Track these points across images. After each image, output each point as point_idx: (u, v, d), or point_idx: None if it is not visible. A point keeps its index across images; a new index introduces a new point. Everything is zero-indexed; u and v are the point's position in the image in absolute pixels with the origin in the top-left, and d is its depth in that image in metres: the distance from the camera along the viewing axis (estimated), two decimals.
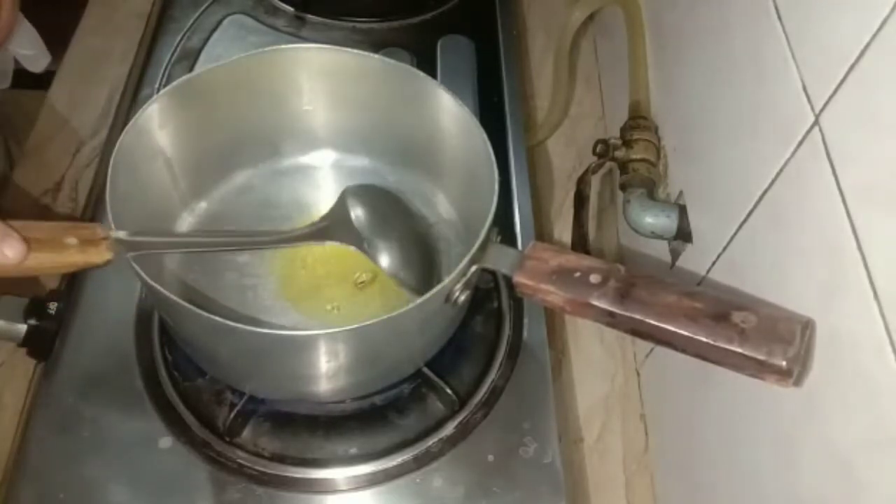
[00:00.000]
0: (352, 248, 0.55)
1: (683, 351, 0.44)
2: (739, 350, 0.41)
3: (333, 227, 0.56)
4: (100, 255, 0.47)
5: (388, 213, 0.58)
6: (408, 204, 0.63)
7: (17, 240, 0.44)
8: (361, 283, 0.60)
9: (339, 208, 0.57)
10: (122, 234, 0.48)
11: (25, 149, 0.78)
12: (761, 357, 0.41)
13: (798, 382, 0.41)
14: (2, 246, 0.44)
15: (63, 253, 0.46)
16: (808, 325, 0.41)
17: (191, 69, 0.79)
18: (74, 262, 0.47)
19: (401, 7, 0.87)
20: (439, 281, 0.49)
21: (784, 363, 0.40)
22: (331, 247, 0.59)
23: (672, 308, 0.44)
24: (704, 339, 0.42)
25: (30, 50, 0.74)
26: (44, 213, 0.73)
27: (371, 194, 0.59)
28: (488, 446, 0.58)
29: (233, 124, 0.61)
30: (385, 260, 0.54)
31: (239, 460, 0.56)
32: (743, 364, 0.42)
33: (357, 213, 0.56)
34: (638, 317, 0.44)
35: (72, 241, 0.47)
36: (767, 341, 0.41)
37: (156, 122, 0.56)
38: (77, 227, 0.47)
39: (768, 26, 0.47)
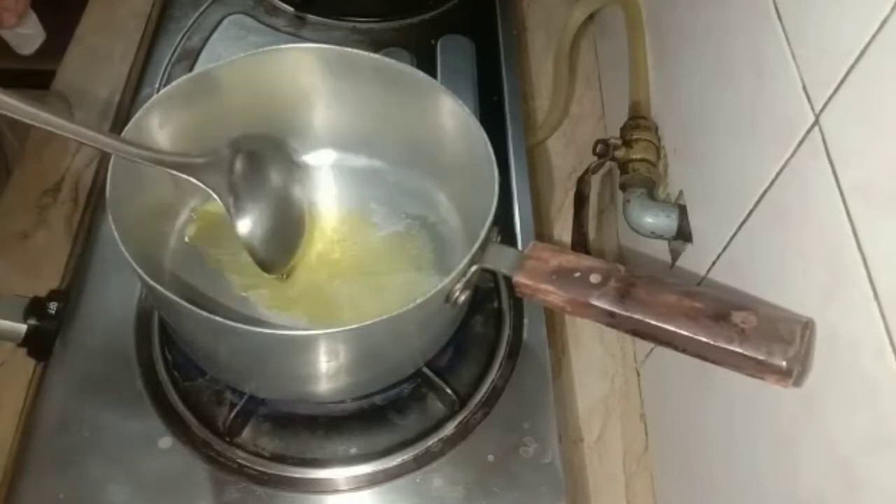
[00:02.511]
0: (216, 199, 0.53)
1: (683, 351, 0.44)
2: (739, 350, 0.41)
3: (208, 168, 0.53)
4: None
5: (268, 176, 0.55)
6: (293, 175, 0.61)
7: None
8: (362, 283, 0.60)
9: (225, 154, 0.54)
10: None
11: (25, 149, 0.78)
12: (761, 357, 0.41)
13: (798, 382, 0.41)
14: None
15: None
16: (808, 326, 0.41)
17: (191, 69, 0.79)
18: None
19: (401, 7, 0.87)
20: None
21: (784, 363, 0.40)
22: (331, 247, 0.59)
23: (672, 308, 0.44)
24: (704, 339, 0.42)
25: (29, 29, 0.75)
26: (44, 213, 0.73)
27: (261, 154, 0.56)
28: (488, 446, 0.58)
29: (233, 124, 0.61)
30: (245, 225, 0.52)
31: (239, 460, 0.56)
32: (743, 364, 0.42)
33: (238, 166, 0.53)
34: (638, 317, 0.44)
35: None
36: (767, 341, 0.41)
37: (156, 122, 0.56)
38: None
39: (768, 26, 0.47)
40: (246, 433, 0.57)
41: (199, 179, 0.52)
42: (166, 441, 0.56)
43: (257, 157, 0.55)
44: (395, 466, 0.56)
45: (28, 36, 0.75)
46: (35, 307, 0.60)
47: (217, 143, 0.61)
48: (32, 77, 0.78)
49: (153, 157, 0.51)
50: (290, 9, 0.86)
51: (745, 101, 0.51)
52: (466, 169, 0.58)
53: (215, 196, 0.52)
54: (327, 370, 0.52)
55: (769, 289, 0.47)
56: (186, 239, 0.62)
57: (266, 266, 0.53)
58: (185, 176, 0.52)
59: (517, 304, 0.65)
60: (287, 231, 0.56)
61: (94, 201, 0.72)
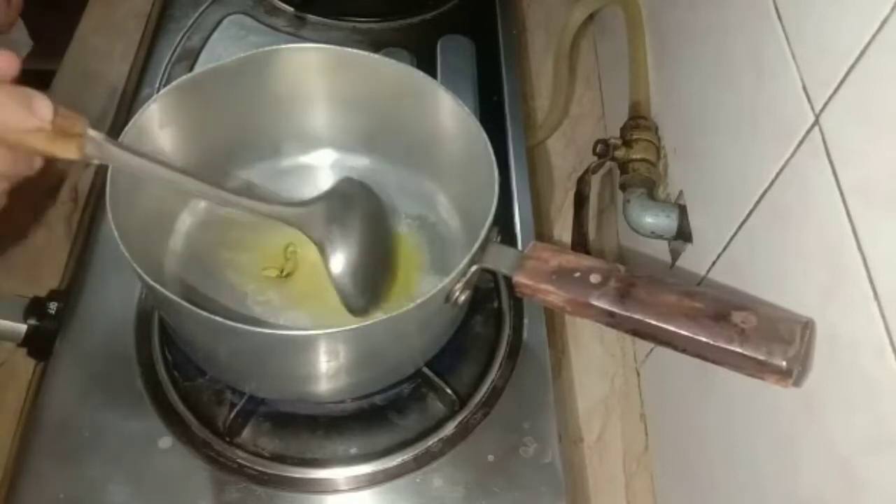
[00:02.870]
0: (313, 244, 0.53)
1: (684, 351, 0.44)
2: (739, 350, 0.41)
3: (307, 217, 0.53)
4: (67, 150, 0.43)
5: (361, 221, 0.55)
6: (386, 217, 0.62)
7: (45, 98, 0.41)
8: None
9: (322, 202, 0.55)
10: (98, 136, 0.44)
11: None
12: (761, 357, 0.41)
13: (798, 383, 0.41)
14: (34, 104, 0.40)
15: (31, 135, 0.41)
16: (807, 326, 0.41)
17: (191, 69, 0.79)
18: (38, 148, 0.42)
19: (401, 7, 0.87)
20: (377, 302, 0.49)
21: (784, 363, 0.40)
22: None
23: (672, 308, 0.44)
24: (704, 339, 0.42)
25: (16, 36, 0.75)
26: (44, 213, 0.73)
27: (357, 198, 0.57)
28: (488, 446, 0.58)
29: (233, 124, 0.61)
30: (337, 266, 0.52)
31: (239, 460, 0.56)
32: (743, 364, 0.42)
33: (333, 212, 0.54)
34: (638, 317, 0.44)
35: (47, 125, 0.42)
36: (767, 341, 0.41)
37: (156, 122, 0.56)
38: (60, 113, 0.42)
39: (768, 26, 0.47)
40: (246, 433, 0.57)
41: (301, 228, 0.53)
42: (166, 441, 0.56)
43: (350, 203, 0.55)
44: (395, 466, 0.56)
45: (15, 43, 0.75)
46: (35, 307, 0.60)
47: (217, 142, 0.61)
48: (32, 77, 0.78)
49: (261, 209, 0.52)
50: (290, 9, 0.86)
51: (745, 101, 0.51)
52: (466, 169, 0.58)
53: (317, 245, 0.53)
54: (327, 370, 0.52)
55: (769, 289, 0.47)
56: (186, 238, 0.62)
57: (355, 311, 0.54)
58: (294, 228, 0.53)
59: (517, 304, 0.65)
60: (375, 275, 0.57)
61: (94, 201, 0.72)
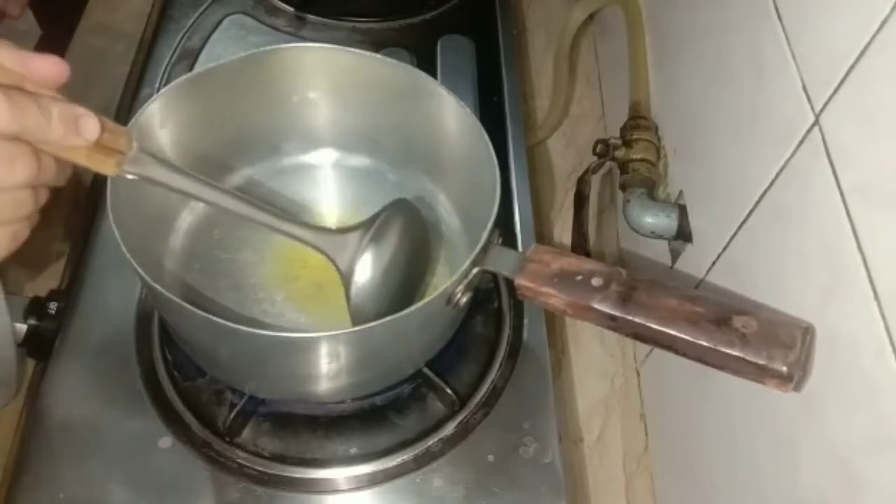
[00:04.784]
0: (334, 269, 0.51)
1: (684, 355, 0.44)
2: (740, 355, 0.41)
3: (339, 245, 0.51)
4: (106, 166, 0.43)
5: (394, 257, 0.52)
6: (426, 248, 0.58)
7: (93, 117, 0.40)
8: None
9: (358, 233, 0.52)
10: (144, 155, 0.44)
11: None
12: (762, 362, 0.41)
13: (798, 387, 0.41)
14: (81, 123, 0.39)
15: (72, 150, 0.40)
16: (808, 331, 0.41)
17: (191, 69, 0.79)
18: (77, 160, 0.41)
19: (401, 7, 0.87)
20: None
21: (784, 368, 0.40)
22: None
23: (673, 312, 0.44)
24: (705, 344, 0.42)
25: (24, 26, 0.75)
26: (44, 213, 0.73)
27: (397, 228, 0.52)
28: (488, 446, 0.58)
29: (233, 124, 0.61)
30: (357, 300, 0.50)
31: (239, 460, 0.56)
32: (743, 369, 0.42)
33: (367, 244, 0.51)
34: (639, 321, 0.44)
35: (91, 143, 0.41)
36: (768, 346, 0.41)
37: (156, 122, 0.56)
38: (106, 128, 0.41)
39: (768, 26, 0.47)
40: (246, 433, 0.57)
41: (329, 254, 0.51)
42: (166, 441, 0.56)
43: (387, 235, 0.52)
44: (395, 466, 0.56)
45: (24, 33, 0.75)
46: (35, 307, 0.60)
47: (217, 142, 0.61)
48: None
49: (295, 232, 0.50)
50: (290, 9, 0.86)
51: (745, 101, 0.51)
52: (467, 169, 0.58)
53: (340, 273, 0.51)
54: (328, 371, 0.52)
55: (769, 289, 0.47)
56: (186, 238, 0.62)
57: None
58: (320, 251, 0.51)
59: (517, 304, 0.65)
60: (393, 306, 0.52)
61: (94, 201, 0.72)
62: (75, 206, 0.74)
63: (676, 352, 0.44)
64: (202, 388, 0.59)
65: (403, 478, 0.56)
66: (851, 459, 0.38)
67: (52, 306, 0.61)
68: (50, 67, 0.39)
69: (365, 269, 0.51)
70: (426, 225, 0.57)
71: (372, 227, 0.52)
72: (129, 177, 0.45)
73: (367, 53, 0.59)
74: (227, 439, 0.56)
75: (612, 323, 0.45)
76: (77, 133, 0.39)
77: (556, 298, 0.47)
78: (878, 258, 0.36)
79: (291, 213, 0.52)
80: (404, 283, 0.54)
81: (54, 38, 0.83)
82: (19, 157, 0.37)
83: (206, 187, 0.47)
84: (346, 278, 0.51)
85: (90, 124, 0.40)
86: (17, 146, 0.37)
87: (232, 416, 0.56)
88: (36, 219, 0.42)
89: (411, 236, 0.54)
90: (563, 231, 0.79)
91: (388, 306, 0.50)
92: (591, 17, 0.86)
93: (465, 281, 0.49)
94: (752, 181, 0.49)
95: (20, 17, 0.73)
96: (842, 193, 0.39)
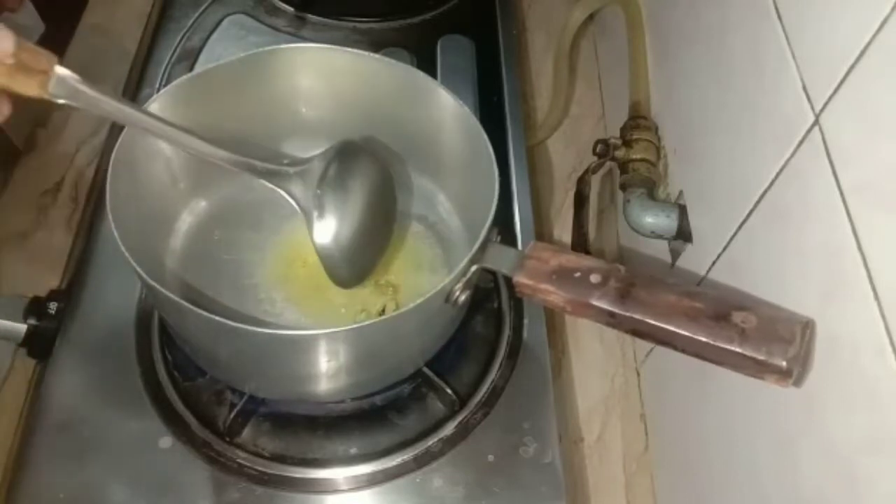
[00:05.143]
0: (297, 209, 0.50)
1: (683, 351, 0.44)
2: (739, 350, 0.41)
3: (297, 178, 0.50)
4: (28, 86, 0.42)
5: (358, 189, 0.51)
6: (388, 184, 0.56)
7: (7, 30, 0.39)
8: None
9: (317, 164, 0.51)
10: (67, 73, 0.43)
11: (25, 148, 0.78)
12: (761, 357, 0.41)
13: (798, 382, 0.41)
14: None
15: None
16: (808, 326, 0.41)
17: (191, 69, 0.79)
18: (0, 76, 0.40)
19: (401, 7, 0.87)
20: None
21: (784, 363, 0.40)
22: None
23: (672, 308, 0.44)
24: (704, 339, 0.42)
25: (27, 20, 0.75)
26: (44, 213, 0.73)
27: (360, 163, 0.52)
28: (488, 446, 0.58)
29: (233, 124, 0.61)
30: (321, 236, 0.49)
31: (239, 460, 0.56)
32: (743, 364, 0.42)
33: (329, 176, 0.50)
34: (638, 317, 0.44)
35: (7, 59, 0.40)
36: (767, 341, 0.41)
37: None
38: (23, 47, 0.40)
39: (768, 26, 0.47)
40: (246, 433, 0.57)
41: (285, 190, 0.50)
42: (166, 441, 0.56)
43: (351, 169, 0.51)
44: (395, 466, 0.56)
45: (26, 27, 0.75)
46: (35, 307, 0.60)
47: (216, 143, 0.61)
48: None
49: (244, 162, 0.49)
50: (290, 9, 0.86)
51: (745, 101, 0.51)
52: (466, 169, 0.58)
53: (297, 207, 0.50)
54: (327, 370, 0.52)
55: (769, 289, 0.47)
56: (186, 238, 0.62)
57: (339, 281, 0.51)
58: (272, 186, 0.50)
59: (517, 304, 0.65)
60: (366, 248, 0.53)
61: (94, 201, 0.72)
62: (75, 206, 0.74)
63: (675, 348, 0.44)
64: (202, 388, 0.59)
65: (403, 478, 0.56)
66: (851, 459, 0.38)
67: (52, 306, 0.61)
68: None
69: (326, 203, 0.50)
70: (383, 160, 0.56)
71: (327, 158, 0.51)
72: (60, 101, 0.44)
73: (367, 53, 0.59)
74: (227, 439, 0.56)
75: (611, 319, 0.45)
76: None
77: (554, 295, 0.47)
78: (878, 258, 0.36)
79: (245, 151, 0.51)
80: (371, 218, 0.52)
81: (54, 38, 0.83)
82: None
83: (144, 116, 0.46)
84: (306, 214, 0.50)
85: (5, 36, 0.39)
86: None
87: (232, 416, 0.56)
88: None
89: (370, 168, 0.53)
90: (562, 231, 0.79)
91: (358, 243, 0.50)
92: (591, 17, 0.86)
93: (464, 279, 0.49)
94: (752, 181, 0.49)
95: (18, 11, 0.73)
96: (842, 193, 0.39)
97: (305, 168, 0.51)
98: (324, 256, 0.50)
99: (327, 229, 0.49)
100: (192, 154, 0.49)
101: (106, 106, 0.45)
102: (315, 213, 0.49)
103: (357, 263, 0.52)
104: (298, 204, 0.50)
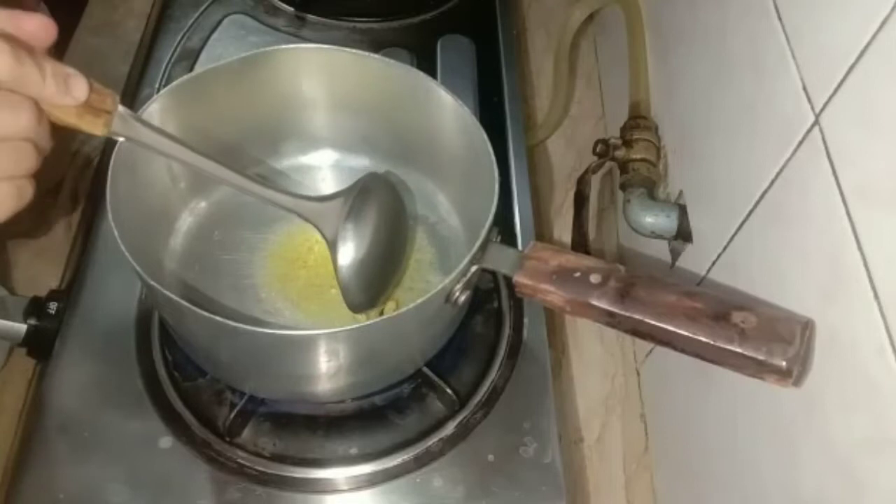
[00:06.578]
0: (325, 242, 0.52)
1: (683, 351, 0.44)
2: (739, 350, 0.41)
3: (323, 212, 0.53)
4: (93, 126, 0.43)
5: (376, 221, 0.54)
6: (404, 217, 0.60)
7: (82, 77, 0.40)
8: None
9: (340, 199, 0.53)
10: (126, 112, 0.44)
11: None
12: (761, 357, 0.41)
13: (798, 382, 0.41)
14: (71, 83, 0.39)
15: (63, 109, 0.41)
16: (807, 326, 0.41)
17: (191, 69, 0.79)
18: (65, 121, 0.41)
19: (401, 7, 0.87)
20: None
21: (784, 363, 0.40)
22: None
23: (672, 308, 0.44)
24: (704, 339, 0.42)
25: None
26: (44, 213, 0.73)
27: (376, 196, 0.55)
28: (488, 446, 0.58)
29: (233, 124, 0.61)
30: (345, 263, 0.52)
31: (239, 460, 0.56)
32: (743, 364, 0.42)
33: (350, 210, 0.52)
34: (638, 317, 0.44)
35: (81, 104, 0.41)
36: (767, 341, 0.41)
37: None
38: (93, 89, 0.41)
39: (768, 26, 0.47)
40: (246, 433, 0.57)
41: (314, 222, 0.52)
42: (166, 441, 0.56)
43: (375, 203, 0.54)
44: (395, 466, 0.56)
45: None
46: (35, 307, 0.60)
47: (217, 143, 0.61)
48: None
49: (277, 198, 0.51)
50: (290, 9, 0.86)
51: (745, 101, 0.51)
52: (466, 169, 0.58)
53: (324, 238, 0.52)
54: (327, 370, 0.52)
55: (769, 289, 0.47)
56: (186, 238, 0.62)
57: (354, 308, 0.54)
58: (305, 219, 0.52)
59: (517, 304, 0.65)
60: (383, 277, 0.56)
61: (94, 201, 0.72)
62: (75, 206, 0.74)
63: (675, 348, 0.44)
64: (202, 388, 0.59)
65: (403, 478, 0.56)
66: (851, 459, 0.38)
67: (52, 306, 0.61)
68: (38, 26, 0.39)
69: (350, 236, 0.52)
70: (401, 196, 0.59)
71: (353, 194, 0.53)
72: (119, 139, 0.45)
73: (367, 54, 0.59)
74: (227, 439, 0.56)
75: (611, 319, 0.45)
76: (67, 92, 0.40)
77: (554, 295, 0.47)
78: (878, 258, 0.36)
79: (276, 183, 0.53)
80: (387, 251, 0.55)
81: (58, 41, 0.83)
82: (21, 105, 0.38)
83: (191, 153, 0.48)
84: (331, 245, 0.52)
85: (80, 83, 0.40)
86: (21, 98, 0.37)
87: (232, 416, 0.56)
88: (32, 187, 0.41)
89: (388, 203, 0.56)
90: (563, 231, 0.79)
91: (375, 273, 0.53)
92: (591, 17, 0.86)
93: (464, 279, 0.49)
94: (752, 181, 0.49)
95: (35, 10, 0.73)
96: (842, 193, 0.39)
97: (333, 203, 0.53)
98: (344, 280, 0.52)
99: (351, 257, 0.52)
100: (238, 190, 0.50)
101: (163, 146, 0.47)
102: (340, 244, 0.51)
103: (372, 289, 0.54)
104: (325, 235, 0.52)
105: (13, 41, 0.37)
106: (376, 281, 0.54)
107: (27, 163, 0.39)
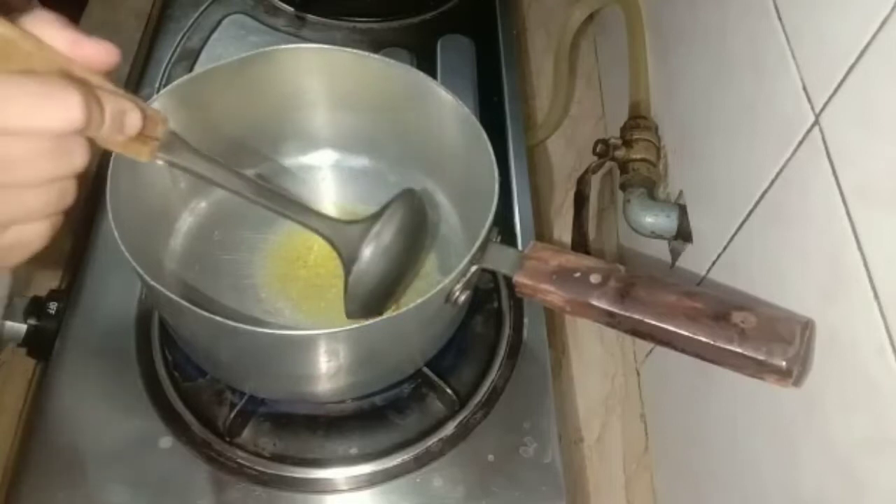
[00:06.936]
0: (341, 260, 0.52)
1: (683, 351, 0.44)
2: (739, 350, 0.41)
3: (348, 232, 0.52)
4: (141, 153, 0.42)
5: (402, 249, 0.53)
6: (423, 242, 0.58)
7: (138, 112, 0.38)
8: None
9: (364, 225, 0.52)
10: (177, 140, 0.44)
11: None
12: (761, 357, 0.41)
13: (798, 382, 0.41)
14: (127, 120, 0.38)
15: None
16: (807, 326, 0.41)
17: (191, 69, 0.79)
18: (114, 148, 0.40)
19: (401, 7, 0.87)
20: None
21: (784, 363, 0.40)
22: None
23: (672, 308, 0.44)
24: (704, 339, 0.42)
25: None
26: None
27: (405, 226, 0.53)
28: (488, 446, 0.58)
29: (233, 124, 0.61)
30: (355, 287, 0.52)
31: (239, 460, 0.56)
32: (743, 364, 0.42)
33: (376, 236, 0.51)
34: (638, 317, 0.44)
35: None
36: (767, 341, 0.41)
37: None
38: (144, 115, 0.40)
39: (768, 26, 0.47)
40: (246, 433, 0.57)
41: (331, 240, 0.52)
42: (166, 441, 0.56)
43: (396, 229, 0.52)
44: (395, 466, 0.56)
45: None
46: (35, 307, 0.60)
47: (217, 143, 0.61)
48: None
49: (311, 222, 0.51)
50: (290, 9, 0.86)
51: (745, 101, 0.51)
52: (466, 169, 0.58)
53: (343, 262, 0.52)
54: (327, 370, 0.52)
55: (769, 289, 0.47)
56: (186, 238, 0.62)
57: (350, 315, 0.53)
58: (324, 236, 0.51)
59: (517, 304, 0.65)
60: (387, 296, 0.55)
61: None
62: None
63: (675, 348, 0.44)
64: (202, 388, 0.59)
65: (403, 478, 0.56)
66: (851, 459, 0.38)
67: (52, 306, 0.61)
68: (101, 53, 0.37)
69: (365, 261, 0.51)
70: (426, 216, 0.57)
71: (377, 222, 0.52)
72: (160, 163, 0.44)
73: (366, 54, 0.59)
74: (227, 439, 0.56)
75: (611, 319, 0.45)
76: (121, 130, 0.39)
77: (554, 295, 0.47)
78: (878, 258, 0.36)
79: (303, 202, 0.52)
80: (399, 275, 0.55)
81: None
82: (78, 149, 0.36)
83: (229, 174, 0.47)
84: (347, 267, 0.51)
85: (133, 120, 0.39)
86: (76, 138, 0.36)
87: (232, 416, 0.56)
88: (62, 219, 0.41)
89: (412, 230, 0.54)
90: (563, 231, 0.79)
91: (381, 292, 0.52)
92: (591, 17, 0.86)
93: (464, 279, 0.49)
94: (752, 181, 0.49)
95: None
96: (842, 193, 0.39)
97: (353, 227, 0.52)
98: (350, 296, 0.52)
99: (363, 280, 0.51)
100: (274, 213, 0.50)
101: (199, 167, 0.46)
102: (355, 265, 0.51)
103: (375, 305, 0.54)
104: (341, 255, 0.52)
105: (83, 85, 0.35)
106: (382, 299, 0.54)
107: (69, 199, 0.39)
